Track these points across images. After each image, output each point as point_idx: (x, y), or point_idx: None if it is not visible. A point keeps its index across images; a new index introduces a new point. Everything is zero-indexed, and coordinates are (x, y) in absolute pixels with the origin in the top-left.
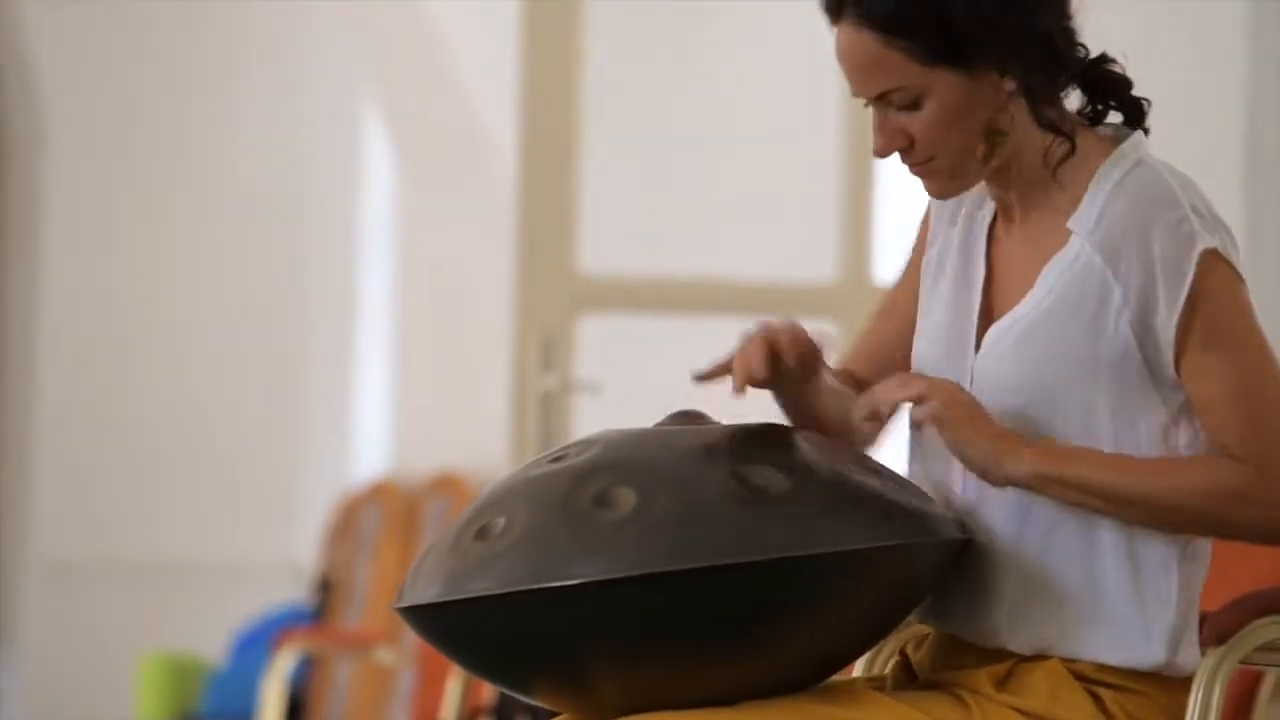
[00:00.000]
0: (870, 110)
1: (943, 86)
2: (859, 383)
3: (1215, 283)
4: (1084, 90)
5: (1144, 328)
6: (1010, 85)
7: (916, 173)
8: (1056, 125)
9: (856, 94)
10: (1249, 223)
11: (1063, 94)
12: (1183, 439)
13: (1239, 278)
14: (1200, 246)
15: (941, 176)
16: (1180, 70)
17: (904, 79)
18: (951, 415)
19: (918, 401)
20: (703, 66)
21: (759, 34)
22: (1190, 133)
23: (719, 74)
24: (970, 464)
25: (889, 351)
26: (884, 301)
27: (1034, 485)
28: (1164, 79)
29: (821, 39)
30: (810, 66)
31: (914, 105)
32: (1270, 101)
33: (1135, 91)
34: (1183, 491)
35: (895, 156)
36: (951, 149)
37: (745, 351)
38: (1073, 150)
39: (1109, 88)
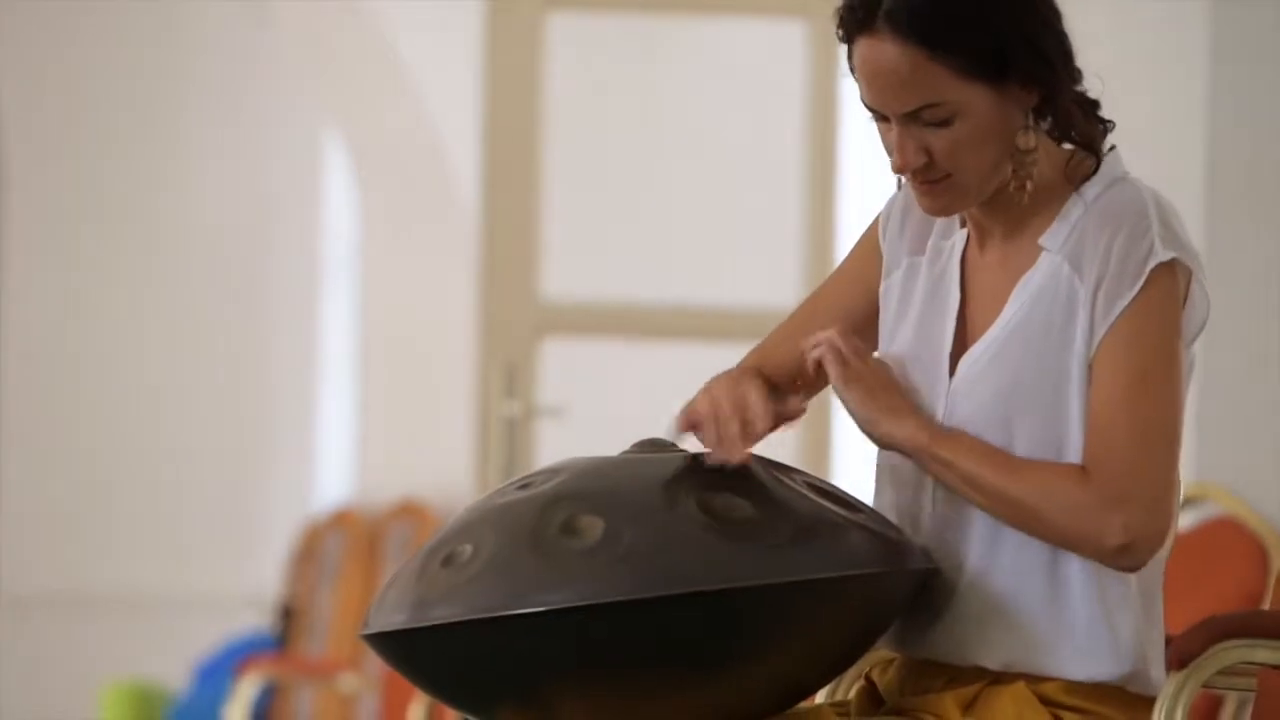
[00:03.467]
0: (875, 125)
1: (978, 103)
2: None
3: (1157, 294)
4: None
5: (1094, 334)
6: (1034, 100)
7: (924, 189)
8: (1085, 140)
9: (881, 108)
10: (1208, 230)
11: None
12: None
13: (1179, 300)
14: (1158, 258)
15: (948, 194)
16: (1142, 80)
17: (942, 94)
18: (839, 360)
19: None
20: (665, 93)
21: (721, 61)
22: (1153, 144)
23: (681, 100)
24: (854, 417)
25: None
26: (804, 308)
27: (909, 453)
28: (1124, 88)
29: (783, 66)
30: (773, 92)
31: (944, 123)
32: (1231, 126)
33: (1101, 112)
34: (1031, 492)
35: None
36: (969, 168)
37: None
38: (1098, 165)
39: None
